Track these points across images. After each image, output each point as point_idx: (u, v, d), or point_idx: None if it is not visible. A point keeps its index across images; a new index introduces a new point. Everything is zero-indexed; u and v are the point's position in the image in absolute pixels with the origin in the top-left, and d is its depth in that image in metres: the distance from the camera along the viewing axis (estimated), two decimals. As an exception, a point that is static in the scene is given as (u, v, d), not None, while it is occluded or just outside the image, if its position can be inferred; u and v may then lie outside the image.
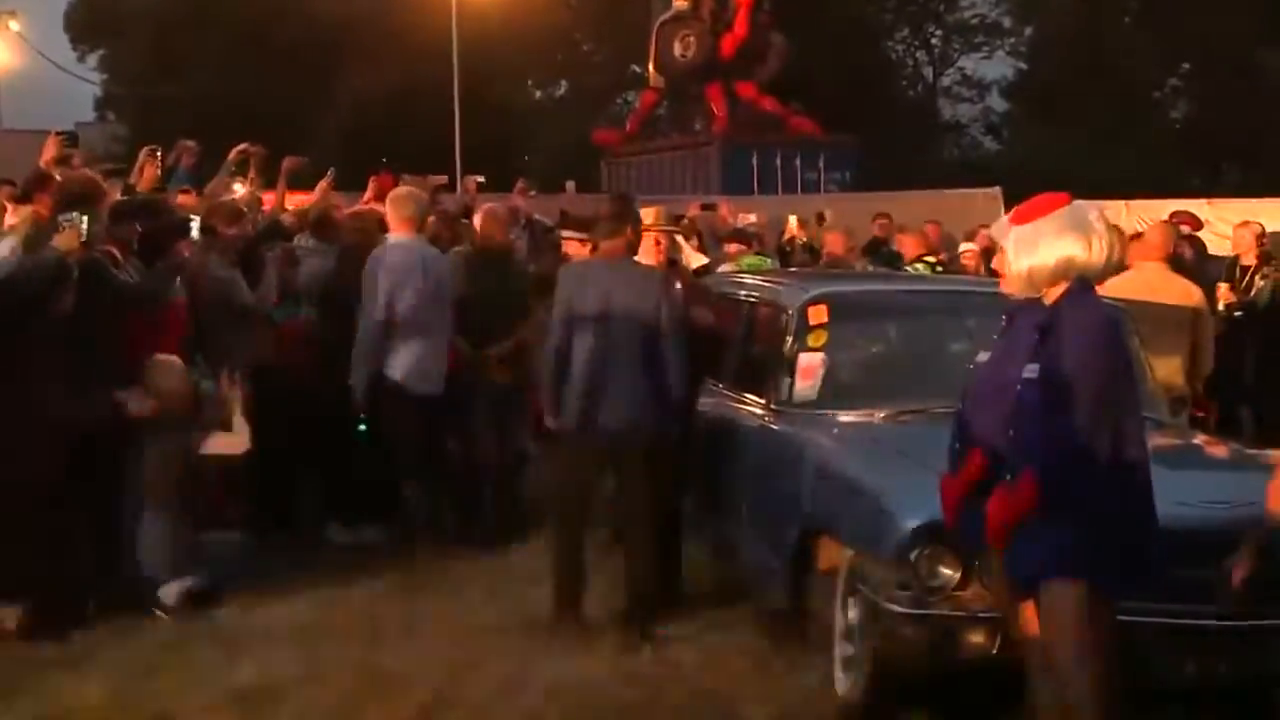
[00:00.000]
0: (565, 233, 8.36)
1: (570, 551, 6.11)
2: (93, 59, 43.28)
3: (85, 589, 6.18)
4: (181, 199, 7.98)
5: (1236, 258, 10.07)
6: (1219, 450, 6.08)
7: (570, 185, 14.73)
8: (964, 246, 10.97)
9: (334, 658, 5.60)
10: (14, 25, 32.97)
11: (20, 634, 5.77)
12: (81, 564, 6.22)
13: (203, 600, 6.28)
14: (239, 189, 8.32)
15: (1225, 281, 9.68)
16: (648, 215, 6.81)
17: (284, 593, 6.52)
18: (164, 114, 32.37)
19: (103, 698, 5.13)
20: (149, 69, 38.32)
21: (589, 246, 7.33)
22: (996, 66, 44.30)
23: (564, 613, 6.01)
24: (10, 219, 5.64)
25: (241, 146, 8.93)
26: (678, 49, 31.45)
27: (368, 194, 9.71)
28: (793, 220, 12.81)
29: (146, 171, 8.33)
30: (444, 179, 11.11)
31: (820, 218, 12.95)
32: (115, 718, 4.95)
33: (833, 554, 5.23)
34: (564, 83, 46.25)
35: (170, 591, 6.26)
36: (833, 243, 10.85)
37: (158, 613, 6.18)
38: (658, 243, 6.56)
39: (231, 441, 6.50)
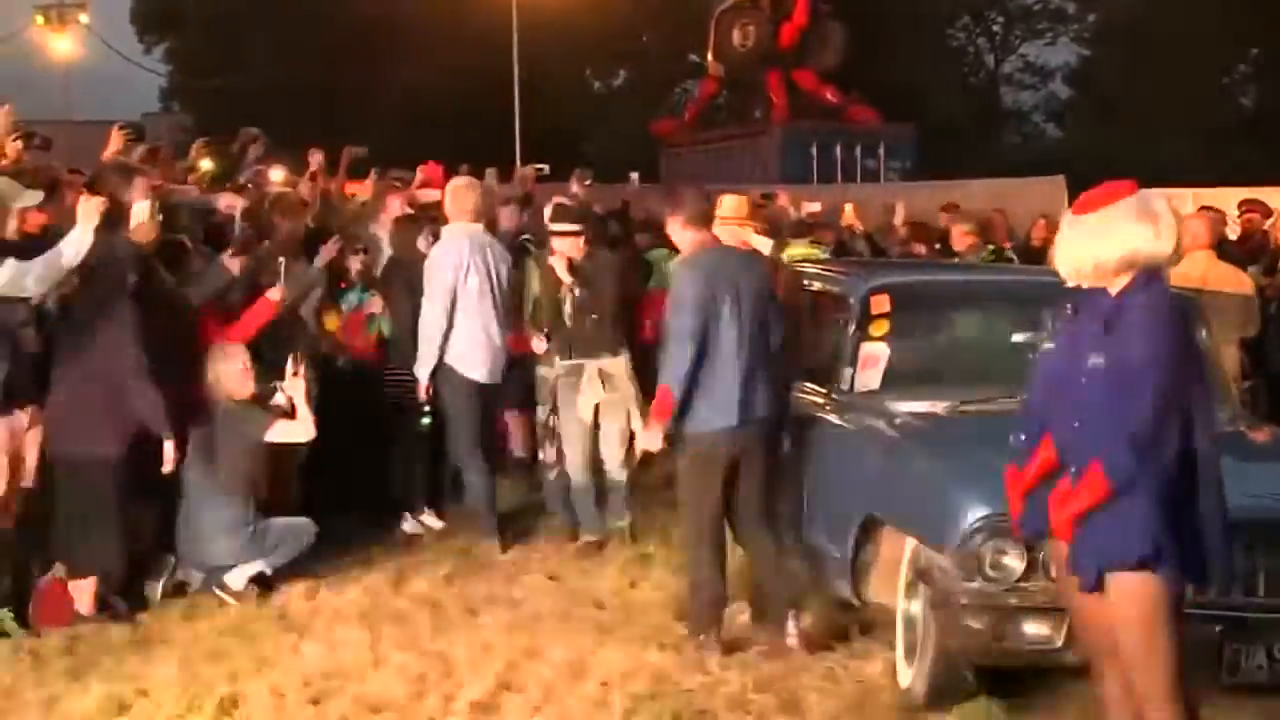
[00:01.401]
0: (556, 226, 7.43)
1: (720, 560, 5.74)
2: (159, 51, 43.84)
3: (154, 571, 6.28)
4: (227, 195, 8.03)
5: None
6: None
7: (634, 176, 14.65)
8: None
9: (396, 643, 5.65)
10: (83, 18, 33.52)
11: (93, 614, 5.87)
12: (150, 546, 6.34)
13: (267, 585, 6.37)
14: (277, 176, 8.31)
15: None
16: (732, 205, 6.86)
17: (347, 578, 6.60)
18: (227, 104, 32.69)
19: (173, 679, 5.21)
20: (212, 60, 38.73)
21: (582, 240, 7.31)
22: (1059, 53, 43.83)
23: (709, 630, 5.65)
24: (83, 208, 5.74)
25: (252, 133, 8.97)
26: (737, 38, 31.35)
27: (415, 182, 9.74)
28: (849, 209, 12.74)
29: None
30: (545, 168, 11.06)
31: (891, 211, 12.85)
32: (185, 699, 5.01)
33: (895, 544, 5.21)
34: (622, 72, 46.23)
35: (236, 576, 6.36)
36: (959, 239, 10.06)
37: (224, 596, 6.27)
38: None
39: (296, 428, 6.57)
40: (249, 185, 8.47)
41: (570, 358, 7.34)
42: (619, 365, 7.33)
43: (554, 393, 7.51)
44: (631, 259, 9.36)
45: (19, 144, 6.56)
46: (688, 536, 5.87)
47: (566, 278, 7.25)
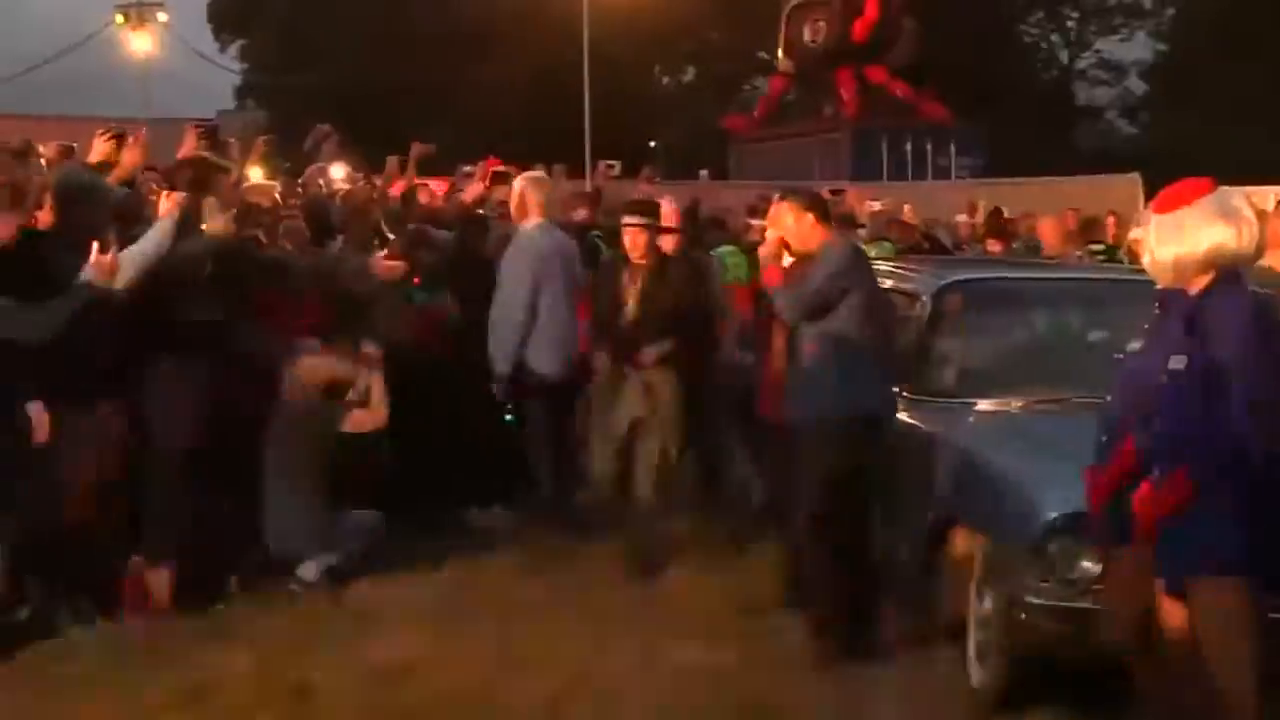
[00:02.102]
0: (629, 219, 6.95)
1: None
2: (234, 49, 44.47)
3: (228, 562, 6.37)
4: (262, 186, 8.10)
5: None
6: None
7: (704, 174, 14.66)
8: (1134, 233, 10.76)
9: (466, 637, 5.67)
10: (162, 17, 34.04)
11: (170, 605, 5.96)
12: (225, 537, 6.42)
13: (339, 576, 6.42)
14: (338, 174, 8.33)
15: None
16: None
17: (417, 572, 6.63)
18: (301, 101, 33.07)
19: (247, 670, 5.27)
20: (287, 58, 39.22)
21: (663, 235, 6.96)
22: (1135, 48, 43.29)
23: (835, 651, 5.39)
24: (162, 205, 5.85)
25: (324, 130, 9.01)
26: (808, 34, 31.28)
27: (477, 178, 9.77)
28: (906, 208, 12.67)
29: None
30: (616, 165, 11.03)
31: (973, 209, 12.77)
32: (259, 689, 5.07)
33: (967, 543, 5.17)
34: (692, 69, 46.23)
35: (309, 567, 6.42)
36: (1047, 232, 9.57)
37: (296, 587, 6.33)
38: None
39: (368, 418, 6.61)
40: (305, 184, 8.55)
41: (617, 363, 6.89)
42: (667, 380, 6.79)
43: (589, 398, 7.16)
44: (700, 267, 8.52)
45: (111, 143, 6.69)
46: (812, 527, 5.57)
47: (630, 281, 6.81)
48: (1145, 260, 3.99)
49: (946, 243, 11.73)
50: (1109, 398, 3.97)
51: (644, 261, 6.87)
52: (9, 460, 5.41)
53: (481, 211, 8.66)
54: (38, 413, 5.40)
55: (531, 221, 7.48)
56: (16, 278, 5.42)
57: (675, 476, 6.95)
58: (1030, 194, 13.91)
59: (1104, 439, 3.86)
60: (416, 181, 9.56)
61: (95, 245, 5.42)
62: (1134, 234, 10.76)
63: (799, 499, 5.61)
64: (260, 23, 41.40)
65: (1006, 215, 11.99)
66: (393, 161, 9.28)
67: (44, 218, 5.90)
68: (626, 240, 6.97)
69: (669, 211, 7.49)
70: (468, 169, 9.76)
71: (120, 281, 5.59)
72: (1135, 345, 3.94)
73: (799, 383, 5.63)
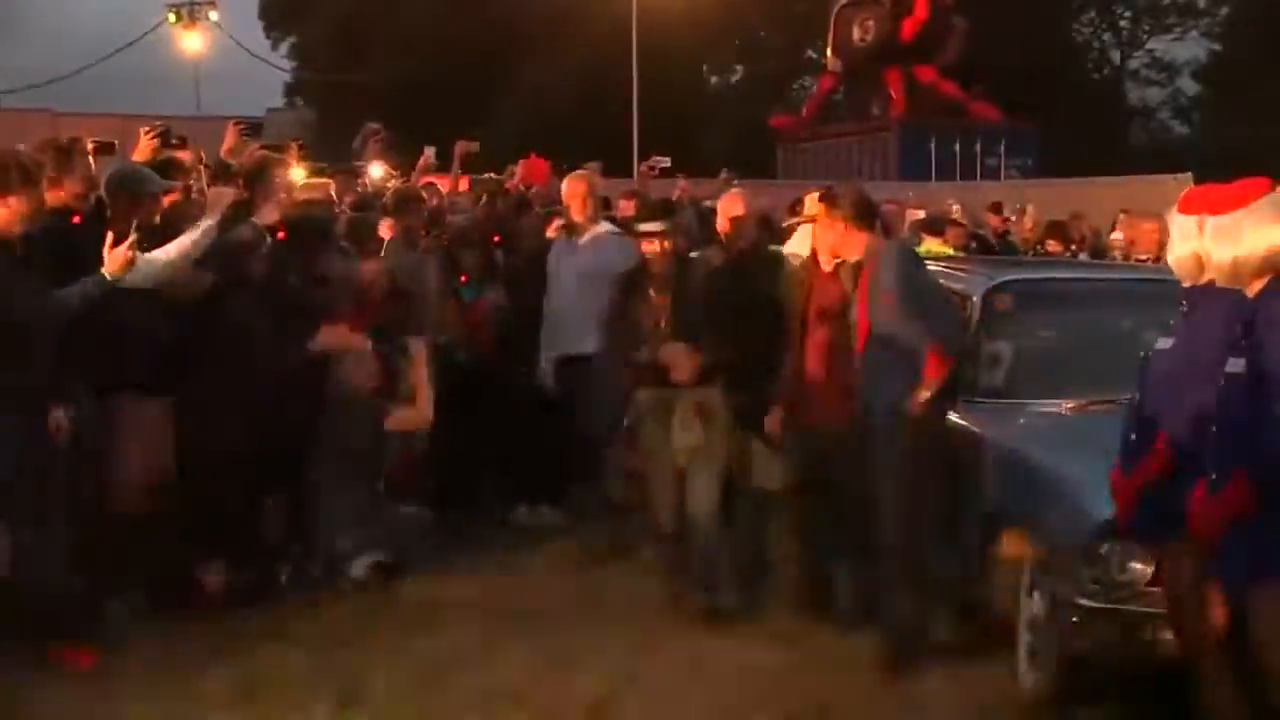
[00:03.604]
0: (644, 226, 6.31)
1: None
2: (284, 46, 44.80)
3: (279, 559, 6.41)
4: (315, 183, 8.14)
5: None
6: None
7: (724, 173, 14.48)
8: (1115, 235, 10.70)
9: (513, 635, 5.69)
10: (213, 15, 34.37)
11: (223, 602, 6.01)
12: (276, 535, 6.47)
13: (389, 574, 6.45)
14: (377, 172, 8.32)
15: None
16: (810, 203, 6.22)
17: (466, 569, 6.66)
18: (351, 99, 33.27)
19: (298, 667, 5.31)
20: (336, 56, 39.46)
21: (664, 244, 6.17)
22: (1188, 48, 42.84)
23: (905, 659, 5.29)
24: (210, 199, 5.92)
25: (373, 128, 9.01)
26: (856, 33, 31.16)
27: (516, 177, 9.74)
28: (956, 207, 12.59)
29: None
30: (666, 160, 10.93)
31: (1022, 212, 12.68)
32: (309, 687, 5.11)
33: (1017, 544, 5.13)
34: (740, 68, 46.16)
35: (359, 565, 6.45)
36: (1146, 237, 8.74)
37: (346, 585, 6.36)
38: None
39: (413, 416, 6.64)
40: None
41: (657, 385, 6.11)
42: (714, 398, 6.07)
43: (633, 426, 6.36)
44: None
45: (155, 141, 6.74)
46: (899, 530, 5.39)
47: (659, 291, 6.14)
48: (1169, 258, 3.97)
49: (991, 242, 11.65)
50: (1136, 396, 3.92)
51: (667, 272, 6.21)
52: (59, 457, 5.43)
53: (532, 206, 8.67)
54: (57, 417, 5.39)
55: (575, 220, 7.48)
56: (40, 262, 5.34)
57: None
58: (1080, 194, 13.79)
59: (1132, 438, 3.82)
60: (425, 181, 9.57)
61: (110, 236, 5.35)
62: (1114, 235, 10.67)
63: (872, 496, 5.43)
64: (311, 20, 41.67)
65: (1057, 218, 11.91)
66: (428, 153, 9.26)
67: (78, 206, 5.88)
68: (649, 250, 6.26)
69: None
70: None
71: (132, 279, 5.45)
72: (1164, 344, 3.89)
73: (871, 378, 5.49)
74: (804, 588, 5.97)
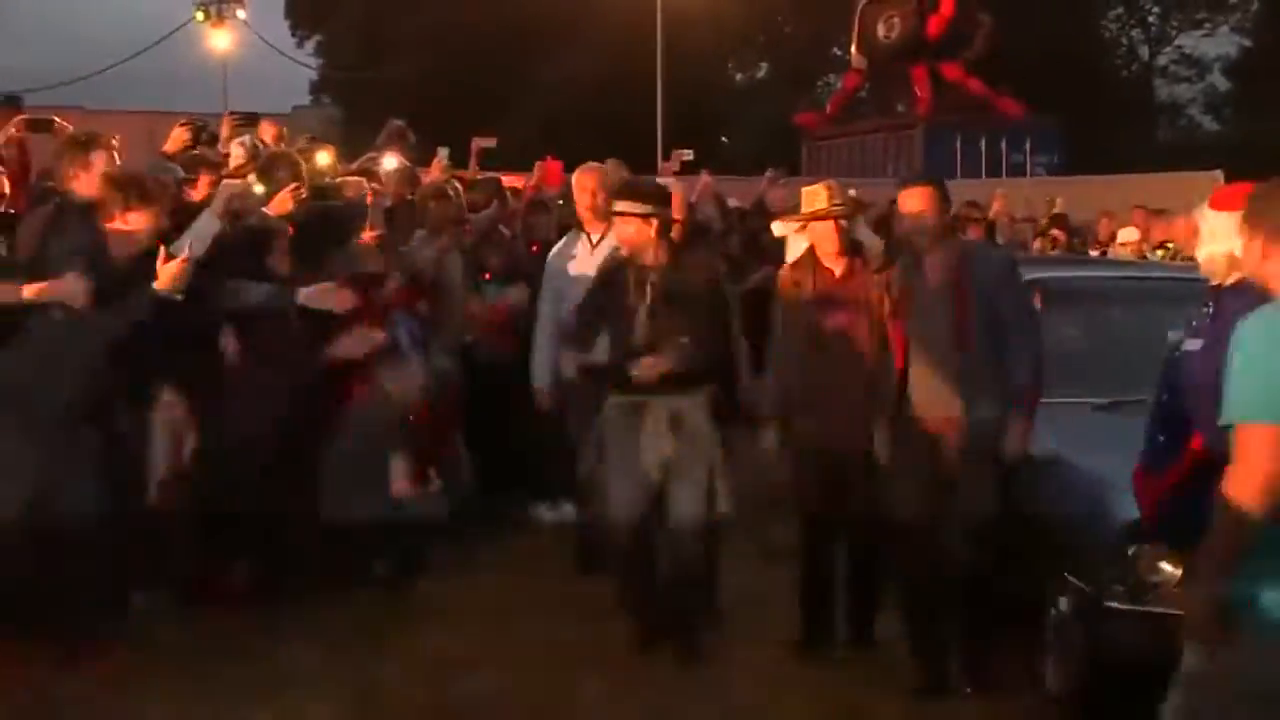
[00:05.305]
0: (622, 205, 5.50)
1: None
2: (310, 44, 44.94)
3: (298, 556, 6.40)
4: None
5: None
6: None
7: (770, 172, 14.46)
8: (1123, 235, 10.66)
9: (530, 633, 5.70)
10: (240, 14, 34.51)
11: (245, 596, 6.00)
12: (295, 532, 6.45)
13: (407, 571, 6.45)
14: (390, 164, 8.33)
15: None
16: (817, 197, 5.54)
17: (485, 567, 6.67)
18: (375, 96, 33.34)
19: (316, 663, 5.31)
20: (362, 53, 39.56)
21: (652, 228, 5.45)
22: (1218, 44, 42.51)
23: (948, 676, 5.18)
24: (216, 194, 5.97)
25: (397, 124, 9.01)
26: (881, 30, 31.04)
27: (534, 178, 9.63)
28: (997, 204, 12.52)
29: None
30: (689, 153, 10.79)
31: (1051, 206, 12.60)
32: (327, 683, 5.12)
33: (1045, 545, 5.07)
34: (764, 65, 46.09)
35: (378, 562, 6.44)
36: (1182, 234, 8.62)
37: (365, 581, 6.34)
38: (837, 228, 5.50)
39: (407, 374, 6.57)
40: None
41: (629, 390, 5.44)
42: (697, 408, 5.46)
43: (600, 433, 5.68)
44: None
45: (187, 135, 6.78)
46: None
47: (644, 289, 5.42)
48: (1199, 256, 3.91)
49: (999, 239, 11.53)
50: (1163, 395, 3.85)
51: (652, 262, 5.50)
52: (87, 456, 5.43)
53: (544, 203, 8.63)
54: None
55: (591, 213, 7.39)
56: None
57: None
58: (1108, 191, 13.69)
59: (1160, 439, 3.75)
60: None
61: (163, 250, 5.34)
62: (1123, 235, 10.57)
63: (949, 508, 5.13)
64: (337, 18, 41.80)
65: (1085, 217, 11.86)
66: (441, 154, 9.22)
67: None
68: (618, 234, 5.59)
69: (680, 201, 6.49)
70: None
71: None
72: (1193, 345, 3.81)
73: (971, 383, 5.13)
74: (805, 614, 5.64)
